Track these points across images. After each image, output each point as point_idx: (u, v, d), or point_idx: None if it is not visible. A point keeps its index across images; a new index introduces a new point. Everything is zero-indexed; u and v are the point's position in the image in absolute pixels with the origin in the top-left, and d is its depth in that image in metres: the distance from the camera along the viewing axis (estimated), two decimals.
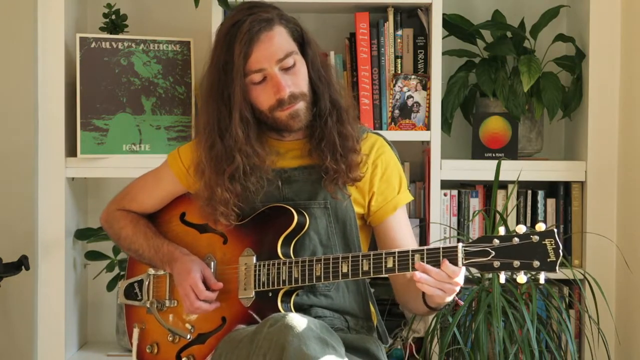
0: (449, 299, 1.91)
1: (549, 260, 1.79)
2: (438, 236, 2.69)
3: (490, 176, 2.59)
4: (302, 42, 2.07)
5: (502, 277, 1.84)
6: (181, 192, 2.22)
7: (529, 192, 2.75)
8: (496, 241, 1.82)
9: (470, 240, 1.86)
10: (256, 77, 2.02)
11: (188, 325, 2.13)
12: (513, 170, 2.63)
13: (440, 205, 2.70)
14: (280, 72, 2.02)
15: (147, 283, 2.20)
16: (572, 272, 2.59)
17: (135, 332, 2.20)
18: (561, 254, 1.79)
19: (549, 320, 2.57)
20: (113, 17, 2.78)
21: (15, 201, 2.71)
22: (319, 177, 2.09)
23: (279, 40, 2.02)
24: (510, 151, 2.74)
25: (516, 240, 1.81)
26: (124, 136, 2.70)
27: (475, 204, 2.74)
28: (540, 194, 2.74)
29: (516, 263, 1.81)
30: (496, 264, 1.82)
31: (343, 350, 1.88)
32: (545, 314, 2.56)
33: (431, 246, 1.89)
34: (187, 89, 2.76)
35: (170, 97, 2.74)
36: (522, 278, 1.80)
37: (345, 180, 2.07)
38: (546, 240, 1.80)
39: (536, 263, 1.79)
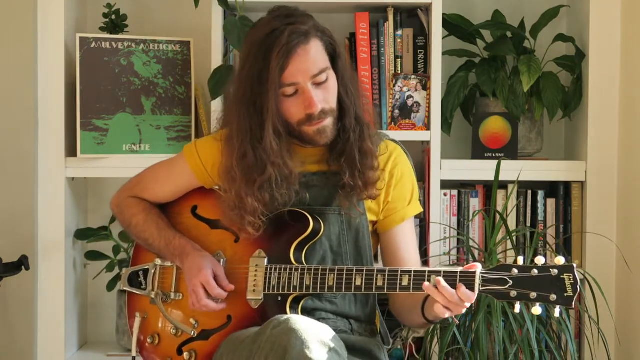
0: (448, 314, 1.90)
1: (566, 295, 1.80)
2: (438, 236, 2.69)
3: (490, 176, 2.59)
4: (334, 56, 2.06)
5: (517, 307, 1.84)
6: (195, 186, 2.21)
7: (529, 192, 2.75)
8: (515, 271, 1.82)
9: (489, 267, 1.86)
10: (289, 90, 2.01)
11: (192, 321, 2.12)
12: (513, 170, 2.63)
13: (440, 205, 2.70)
14: (312, 87, 2.00)
15: (152, 273, 2.18)
16: None
17: (137, 321, 2.18)
18: (579, 289, 1.80)
19: (549, 320, 2.57)
20: (113, 17, 2.78)
21: (15, 201, 2.71)
22: (336, 184, 2.09)
23: (315, 55, 2.00)
24: (510, 151, 2.74)
25: (535, 272, 1.81)
26: (124, 136, 2.70)
27: (475, 204, 2.74)
28: (540, 194, 2.74)
29: (533, 295, 1.81)
30: (513, 293, 1.82)
31: (346, 354, 1.88)
32: (545, 313, 2.56)
33: (449, 269, 1.89)
34: (187, 89, 2.76)
35: (170, 97, 2.74)
36: (537, 310, 1.81)
37: (361, 197, 2.07)
38: (565, 275, 1.80)
39: (553, 297, 1.80)
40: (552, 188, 2.78)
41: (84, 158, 2.68)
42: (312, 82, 2.00)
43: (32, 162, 2.68)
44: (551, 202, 2.75)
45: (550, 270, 1.81)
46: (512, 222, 2.72)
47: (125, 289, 2.23)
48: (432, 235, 2.68)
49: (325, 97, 2.02)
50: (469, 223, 2.74)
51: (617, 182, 2.69)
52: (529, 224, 2.74)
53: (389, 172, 2.14)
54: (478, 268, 1.86)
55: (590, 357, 2.57)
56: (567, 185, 2.75)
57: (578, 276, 1.81)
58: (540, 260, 1.82)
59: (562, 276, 1.80)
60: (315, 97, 2.00)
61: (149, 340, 2.18)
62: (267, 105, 2.00)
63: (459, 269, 1.87)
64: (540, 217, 2.74)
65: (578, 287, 1.80)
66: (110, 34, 2.78)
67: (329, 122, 2.04)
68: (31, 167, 2.69)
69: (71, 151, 2.71)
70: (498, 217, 2.60)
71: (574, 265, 1.81)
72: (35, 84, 2.67)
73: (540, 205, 2.74)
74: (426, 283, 1.87)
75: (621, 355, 2.65)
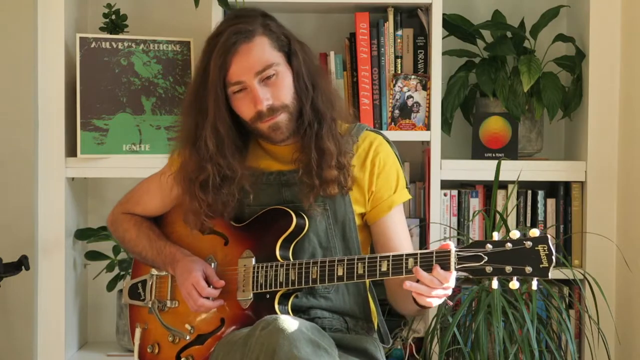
0: (436, 302, 1.90)
1: (541, 266, 1.78)
2: (438, 236, 2.69)
3: (490, 176, 2.59)
4: (289, 52, 2.06)
5: (495, 283, 1.83)
6: None
7: (529, 192, 2.75)
8: (489, 246, 1.81)
9: (464, 245, 1.86)
10: (236, 88, 2.02)
11: (188, 326, 2.14)
12: (513, 170, 2.63)
13: (440, 205, 2.70)
14: (259, 85, 2.01)
15: (150, 283, 2.21)
16: (572, 272, 2.59)
17: (138, 332, 2.21)
18: (554, 260, 1.78)
19: (549, 320, 2.57)
20: (113, 17, 2.78)
21: (15, 201, 2.71)
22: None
23: (259, 52, 2.01)
24: (510, 151, 2.74)
25: (509, 245, 1.80)
26: (124, 136, 2.70)
27: (475, 204, 2.74)
28: (540, 194, 2.74)
29: (508, 269, 1.79)
30: (488, 269, 1.81)
31: (336, 352, 1.89)
32: (545, 314, 2.56)
33: (424, 250, 1.89)
34: (187, 89, 2.76)
35: (170, 97, 2.74)
36: (514, 284, 1.79)
37: (321, 194, 2.06)
38: (539, 246, 1.78)
39: (528, 269, 1.78)
40: (552, 188, 2.78)
41: (84, 158, 2.68)
42: (258, 79, 2.01)
43: (32, 162, 2.68)
44: (551, 202, 2.74)
45: (524, 242, 1.79)
46: (512, 222, 2.72)
47: (126, 302, 2.27)
48: (432, 235, 2.68)
49: (274, 94, 2.02)
50: (469, 223, 2.74)
51: (617, 182, 2.69)
52: (529, 224, 2.73)
53: (370, 161, 2.13)
54: (452, 246, 1.86)
55: (590, 357, 2.57)
56: (567, 185, 2.75)
57: (553, 247, 1.79)
58: (515, 234, 1.80)
59: (536, 248, 1.78)
60: (261, 95, 2.01)
61: (149, 350, 2.20)
62: (207, 105, 2.03)
63: (434, 249, 1.87)
64: (540, 217, 2.74)
65: (553, 257, 1.78)
66: (110, 34, 2.78)
67: (282, 118, 2.04)
68: (31, 167, 2.69)
69: (71, 151, 2.71)
70: (498, 217, 2.60)
71: (548, 236, 1.79)
72: (35, 84, 2.67)
73: (540, 205, 2.74)
74: (407, 282, 1.86)
75: (621, 355, 2.65)
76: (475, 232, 2.74)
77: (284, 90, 2.04)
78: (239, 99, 2.04)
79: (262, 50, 2.01)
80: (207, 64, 2.02)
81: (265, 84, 2.02)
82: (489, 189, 2.72)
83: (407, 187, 2.18)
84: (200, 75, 2.05)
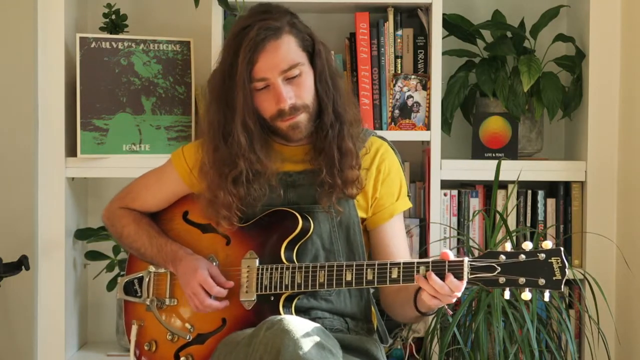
0: (436, 303, 1.90)
1: (554, 278, 1.80)
2: (438, 236, 2.69)
3: (490, 176, 2.59)
4: (312, 53, 2.06)
5: (507, 294, 1.84)
6: (185, 192, 2.21)
7: (529, 192, 2.75)
8: (502, 257, 1.83)
9: (477, 255, 1.86)
10: (259, 84, 2.02)
11: (187, 325, 2.13)
12: (513, 170, 2.63)
13: (440, 205, 2.70)
14: (283, 83, 2.01)
15: (147, 280, 2.19)
16: (572, 272, 2.59)
17: (134, 328, 2.19)
18: (567, 273, 1.80)
19: (549, 320, 2.57)
20: (113, 17, 2.79)
21: (15, 201, 2.71)
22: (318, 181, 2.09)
23: (285, 50, 2.01)
24: (510, 151, 2.74)
25: (522, 257, 1.81)
26: (124, 136, 2.70)
27: (475, 204, 2.74)
28: (540, 194, 2.74)
29: (521, 280, 1.81)
30: (501, 280, 1.82)
31: (340, 353, 1.88)
32: (545, 314, 2.56)
33: (437, 259, 1.89)
34: (187, 89, 2.76)
35: (170, 97, 2.74)
36: (526, 295, 1.81)
37: (340, 196, 2.06)
38: (552, 258, 1.80)
39: (541, 281, 1.80)
40: (552, 188, 2.78)
41: (84, 158, 2.68)
42: (282, 78, 2.01)
43: (32, 162, 2.68)
44: (551, 202, 2.75)
45: (538, 254, 1.81)
46: (512, 222, 2.72)
47: (121, 297, 2.24)
48: (432, 235, 2.68)
49: (297, 93, 2.03)
50: (469, 223, 2.74)
51: (617, 182, 2.69)
52: (529, 224, 2.74)
53: (375, 167, 2.14)
54: (465, 257, 1.86)
55: (590, 357, 2.57)
56: (567, 185, 2.75)
57: (565, 259, 1.81)
58: (527, 245, 1.82)
59: (549, 260, 1.81)
60: (284, 93, 2.01)
61: (146, 347, 2.18)
62: (236, 99, 2.02)
63: (447, 260, 1.87)
64: (540, 217, 2.74)
65: (566, 270, 1.80)
66: (110, 34, 2.78)
67: (302, 117, 2.04)
68: (31, 167, 2.69)
69: (71, 151, 2.71)
70: (498, 217, 2.60)
71: (561, 248, 1.81)
72: (35, 84, 2.68)
73: (540, 205, 2.74)
74: (417, 275, 1.87)
75: (621, 355, 2.65)
76: (475, 232, 2.74)
77: (307, 90, 2.04)
78: (261, 95, 2.04)
79: (288, 49, 2.01)
80: (235, 58, 2.01)
81: (289, 82, 2.02)
82: (489, 189, 2.72)
83: (408, 195, 2.19)
84: (227, 68, 2.03)
